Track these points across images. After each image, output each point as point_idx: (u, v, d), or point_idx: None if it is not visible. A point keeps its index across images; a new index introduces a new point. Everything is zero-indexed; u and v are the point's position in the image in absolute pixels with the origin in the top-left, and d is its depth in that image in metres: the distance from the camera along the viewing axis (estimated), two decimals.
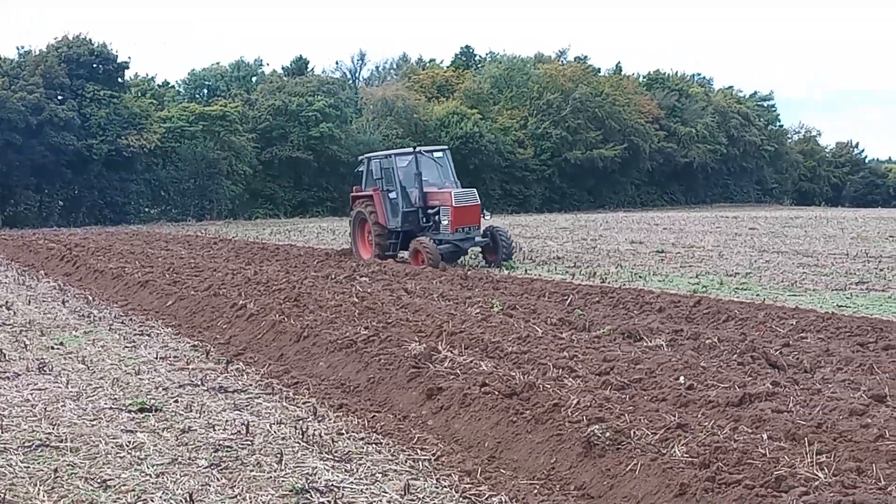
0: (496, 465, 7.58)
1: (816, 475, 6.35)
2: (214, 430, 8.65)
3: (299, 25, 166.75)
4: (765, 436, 7.36)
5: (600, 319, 13.87)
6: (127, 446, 8.09)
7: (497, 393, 8.72)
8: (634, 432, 7.34)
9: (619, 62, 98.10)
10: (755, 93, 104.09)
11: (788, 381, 9.40)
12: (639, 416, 7.93)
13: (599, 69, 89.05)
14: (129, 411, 9.35)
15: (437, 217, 24.71)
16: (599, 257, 27.19)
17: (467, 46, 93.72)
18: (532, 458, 7.53)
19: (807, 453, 6.78)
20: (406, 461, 7.68)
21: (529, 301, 16.34)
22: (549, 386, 8.94)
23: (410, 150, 26.13)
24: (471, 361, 10.31)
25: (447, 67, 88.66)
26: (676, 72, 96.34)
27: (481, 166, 69.00)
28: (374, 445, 8.14)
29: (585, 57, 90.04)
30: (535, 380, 9.17)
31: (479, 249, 26.10)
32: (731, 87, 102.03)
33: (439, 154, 26.40)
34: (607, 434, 7.18)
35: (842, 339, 12.23)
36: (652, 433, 7.34)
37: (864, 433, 7.27)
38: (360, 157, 28.59)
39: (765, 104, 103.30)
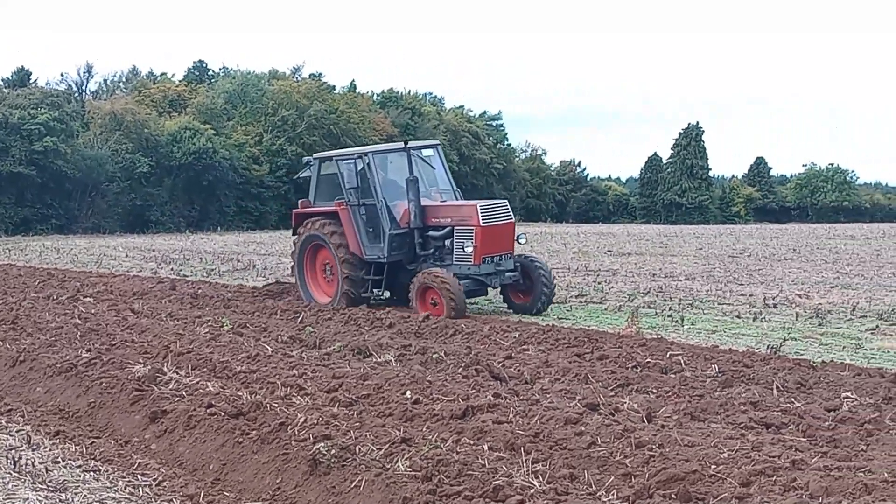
0: (220, 487, 7.45)
1: (532, 483, 6.59)
2: None
3: (21, 35, 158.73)
4: (486, 447, 7.58)
5: (331, 336, 13.93)
6: None
7: (223, 414, 8.57)
8: (360, 448, 7.37)
9: (353, 80, 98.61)
10: (484, 112, 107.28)
11: (510, 392, 9.75)
12: (365, 431, 7.99)
13: (334, 86, 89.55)
14: None
15: (447, 242, 17.95)
16: None
17: (200, 61, 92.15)
18: (258, 479, 7.44)
19: (524, 462, 7.04)
20: (126, 488, 7.42)
21: (261, 319, 16.21)
22: (276, 405, 8.87)
23: (397, 146, 19.38)
24: (197, 382, 10.10)
25: (179, 82, 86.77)
26: (409, 91, 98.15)
27: (216, 182, 67.85)
28: (91, 473, 7.82)
29: (320, 74, 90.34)
30: (263, 399, 9.08)
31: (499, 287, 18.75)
32: (461, 107, 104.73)
33: (429, 152, 19.45)
34: (333, 451, 7.18)
35: (560, 351, 12.80)
36: (377, 448, 7.40)
37: (578, 441, 7.62)
38: (305, 159, 21.20)
39: (493, 123, 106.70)
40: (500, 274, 17.80)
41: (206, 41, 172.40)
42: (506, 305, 18.75)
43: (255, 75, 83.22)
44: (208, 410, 8.72)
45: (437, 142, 20.48)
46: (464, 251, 17.50)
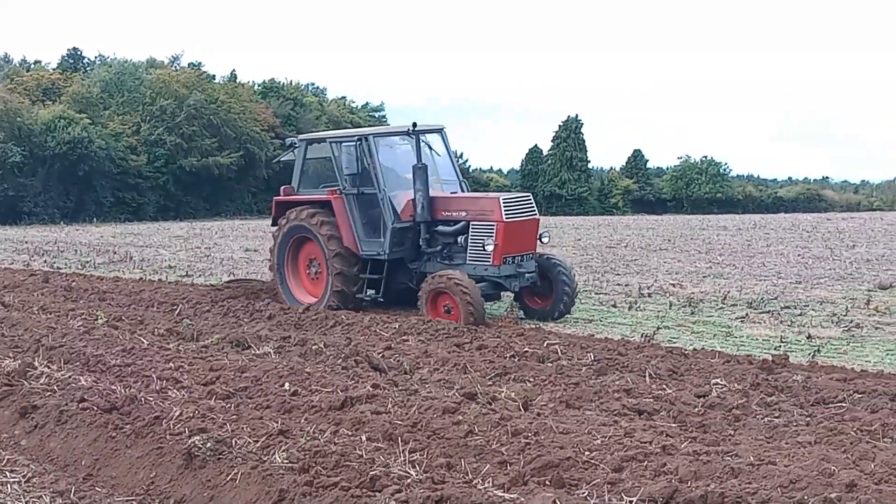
0: (92, 483, 7.30)
1: (409, 473, 6.62)
2: None
3: None
4: (364, 437, 7.60)
5: (209, 328, 13.78)
6: None
7: (96, 408, 8.40)
8: (236, 441, 7.33)
9: (233, 70, 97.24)
10: (367, 103, 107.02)
11: (389, 382, 9.78)
12: (242, 424, 7.94)
13: (214, 76, 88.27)
14: None
15: (460, 238, 16.09)
16: (213, 266, 26.94)
17: (75, 48, 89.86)
18: (131, 474, 7.32)
19: (401, 452, 7.08)
20: None
21: (137, 312, 15.93)
22: (151, 398, 8.75)
23: (402, 129, 17.05)
24: (70, 376, 9.87)
25: (53, 70, 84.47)
26: (291, 81, 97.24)
27: (92, 173, 66.22)
28: None
29: (200, 63, 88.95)
30: (138, 393, 8.94)
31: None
32: (343, 98, 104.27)
33: (433, 137, 17.30)
34: (208, 444, 7.10)
35: (440, 341, 12.89)
36: (254, 441, 7.37)
37: (456, 430, 7.70)
38: (288, 140, 18.77)
39: (376, 115, 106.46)
40: (521, 276, 15.82)
41: (81, 28, 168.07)
42: (521, 310, 16.58)
43: (132, 64, 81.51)
44: (81, 405, 8.54)
45: (443, 126, 17.77)
46: (483, 250, 15.59)
